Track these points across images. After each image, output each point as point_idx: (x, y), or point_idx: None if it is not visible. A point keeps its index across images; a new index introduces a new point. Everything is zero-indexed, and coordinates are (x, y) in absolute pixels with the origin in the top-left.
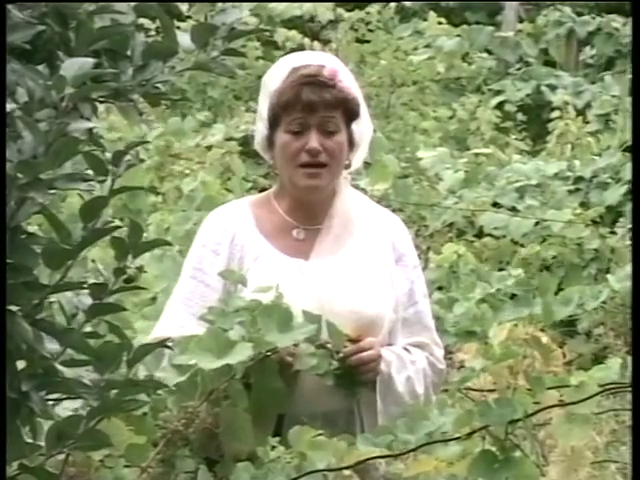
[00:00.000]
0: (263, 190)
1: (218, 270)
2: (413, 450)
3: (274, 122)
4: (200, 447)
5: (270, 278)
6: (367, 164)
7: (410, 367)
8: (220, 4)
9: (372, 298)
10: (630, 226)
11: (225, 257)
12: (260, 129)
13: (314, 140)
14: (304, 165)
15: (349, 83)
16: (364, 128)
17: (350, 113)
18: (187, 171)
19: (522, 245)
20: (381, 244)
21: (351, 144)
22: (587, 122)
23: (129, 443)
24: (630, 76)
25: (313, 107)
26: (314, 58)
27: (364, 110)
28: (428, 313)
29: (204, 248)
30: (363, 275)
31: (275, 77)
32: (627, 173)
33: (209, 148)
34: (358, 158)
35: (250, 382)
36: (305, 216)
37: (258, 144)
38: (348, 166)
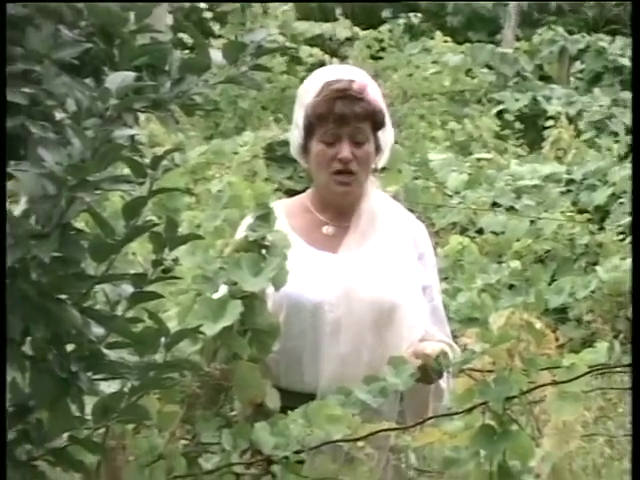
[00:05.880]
0: (289, 191)
1: None
2: (420, 423)
3: (309, 132)
4: (209, 401)
5: (300, 269)
6: (383, 169)
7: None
8: (249, 24)
9: (392, 288)
10: (620, 223)
11: None
12: (295, 137)
13: (346, 150)
14: (336, 173)
15: (376, 96)
16: (388, 135)
17: (377, 123)
18: (217, 174)
19: (519, 240)
20: (403, 241)
21: (377, 150)
22: (578, 130)
23: (158, 411)
24: (616, 88)
25: (344, 119)
26: (345, 73)
27: (387, 118)
28: (442, 310)
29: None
30: (385, 267)
31: (309, 90)
32: (613, 176)
33: (236, 153)
34: (381, 161)
35: (246, 329)
36: (335, 214)
37: (294, 150)
38: (375, 170)
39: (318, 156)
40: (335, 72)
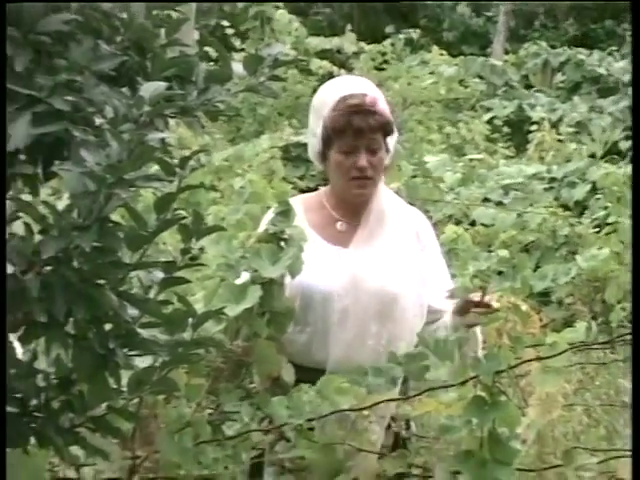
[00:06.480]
0: (302, 189)
1: None
2: (419, 395)
3: (327, 142)
4: (232, 375)
5: (314, 261)
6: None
7: None
8: (267, 40)
9: (396, 281)
10: (596, 216)
11: None
12: (313, 144)
13: (363, 160)
14: (354, 179)
15: (384, 106)
16: (393, 137)
17: (387, 132)
18: (240, 172)
19: (507, 231)
20: (408, 236)
21: (386, 152)
22: (559, 133)
23: (186, 384)
24: (593, 96)
25: (361, 132)
26: (356, 86)
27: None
28: (452, 287)
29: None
30: (391, 261)
31: (326, 103)
32: (591, 175)
33: (257, 154)
34: (388, 159)
35: (264, 311)
36: (348, 212)
37: (312, 155)
38: (384, 170)
39: (337, 165)
40: (348, 86)
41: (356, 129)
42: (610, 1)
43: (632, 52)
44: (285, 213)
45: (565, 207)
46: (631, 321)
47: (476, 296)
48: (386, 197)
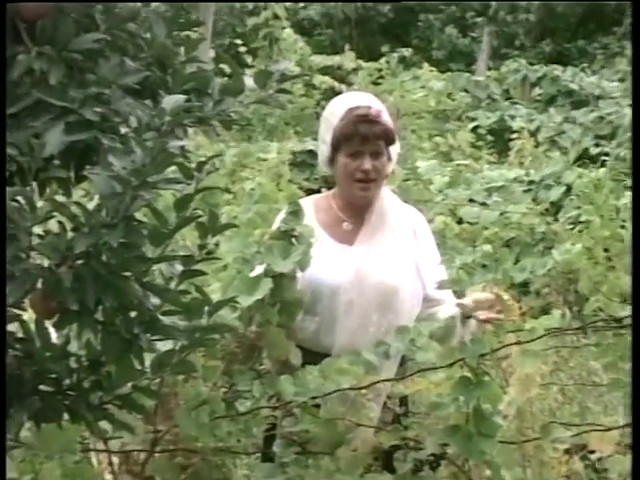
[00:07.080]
0: (308, 190)
1: None
2: (411, 375)
3: (336, 148)
4: (245, 358)
5: (323, 258)
6: None
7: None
8: (274, 57)
9: (396, 274)
10: (570, 215)
11: None
12: (323, 150)
13: (367, 163)
14: (358, 181)
15: (387, 117)
16: (395, 147)
17: (389, 140)
18: (250, 176)
19: (490, 229)
20: (406, 233)
21: (388, 159)
22: (537, 141)
23: (203, 365)
24: (567, 108)
25: (367, 139)
26: (362, 100)
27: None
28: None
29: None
30: (391, 257)
31: (335, 114)
32: (566, 178)
33: (266, 160)
34: (390, 167)
35: (275, 301)
36: (353, 213)
37: (321, 161)
38: (387, 175)
39: (344, 168)
40: (355, 99)
41: (362, 135)
42: (610, 1)
43: (632, 53)
44: (296, 213)
45: (542, 206)
46: (631, 314)
47: (487, 299)
48: (387, 198)
